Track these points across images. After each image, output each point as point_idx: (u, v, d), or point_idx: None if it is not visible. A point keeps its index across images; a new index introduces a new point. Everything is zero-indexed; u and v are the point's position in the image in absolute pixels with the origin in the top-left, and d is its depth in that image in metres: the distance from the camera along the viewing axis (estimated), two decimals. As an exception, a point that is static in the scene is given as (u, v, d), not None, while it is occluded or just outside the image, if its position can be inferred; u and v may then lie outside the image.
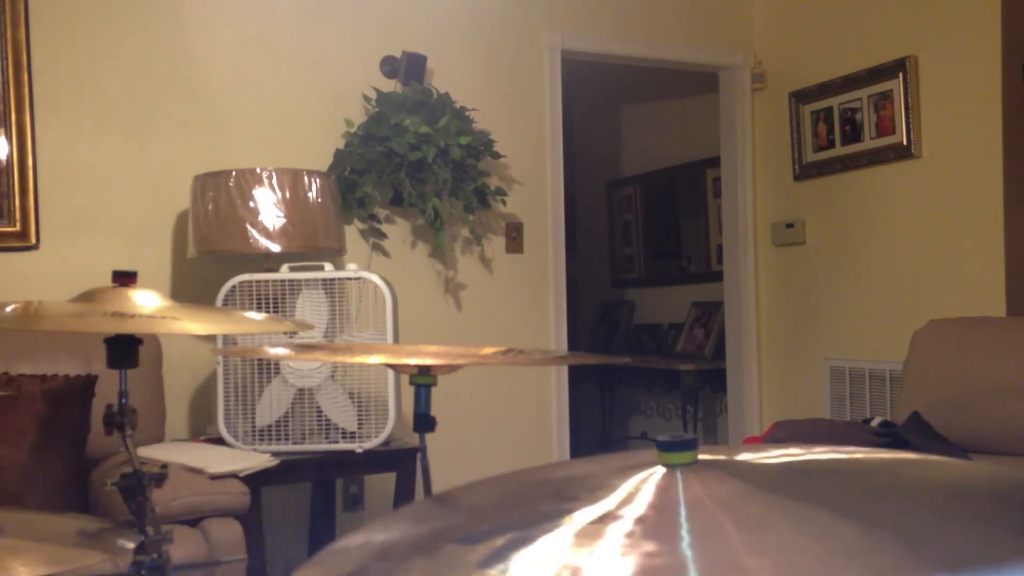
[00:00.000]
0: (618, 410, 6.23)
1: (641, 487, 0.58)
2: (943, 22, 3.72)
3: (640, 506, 0.56)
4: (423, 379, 1.31)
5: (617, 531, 0.53)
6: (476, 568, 0.52)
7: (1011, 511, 0.56)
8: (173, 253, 3.43)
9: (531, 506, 0.61)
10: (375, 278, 3.04)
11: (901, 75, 3.84)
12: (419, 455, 1.36)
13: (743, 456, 0.64)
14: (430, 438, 1.34)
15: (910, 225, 3.86)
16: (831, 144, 4.19)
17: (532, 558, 0.52)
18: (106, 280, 1.63)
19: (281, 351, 1.51)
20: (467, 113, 3.75)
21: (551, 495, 0.62)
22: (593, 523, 0.55)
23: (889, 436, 2.76)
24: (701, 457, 0.61)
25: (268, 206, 3.08)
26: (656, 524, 0.53)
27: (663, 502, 0.55)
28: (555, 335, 4.11)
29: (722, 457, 0.63)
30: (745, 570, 0.48)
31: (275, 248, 3.07)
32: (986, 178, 3.57)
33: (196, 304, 1.97)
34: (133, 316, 1.49)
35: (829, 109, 4.19)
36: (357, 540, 0.62)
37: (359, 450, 2.98)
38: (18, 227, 3.22)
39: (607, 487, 0.59)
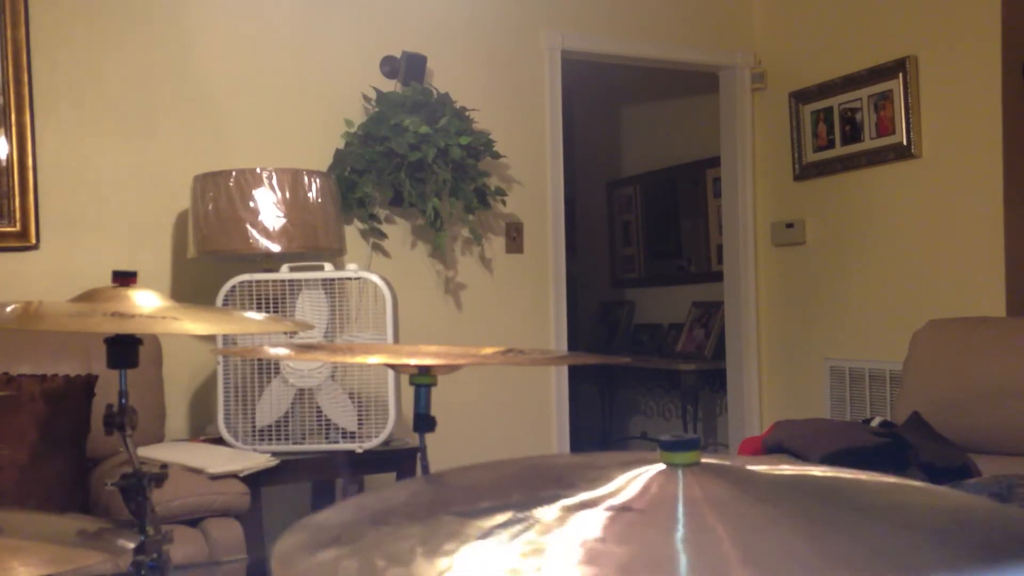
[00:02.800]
0: (618, 410, 6.23)
1: (641, 482, 0.58)
2: (943, 22, 3.72)
3: (638, 499, 0.56)
4: (423, 379, 1.31)
5: (614, 519, 0.53)
6: (475, 540, 0.52)
7: (1007, 539, 0.56)
8: (173, 253, 3.43)
9: (531, 489, 0.61)
10: (375, 278, 3.04)
11: (901, 75, 3.84)
12: (419, 455, 1.36)
13: (746, 465, 0.64)
14: (430, 438, 1.34)
15: (910, 225, 3.86)
16: (831, 144, 4.19)
17: (528, 535, 0.52)
18: (106, 280, 1.63)
19: (281, 351, 1.50)
20: (467, 113, 3.75)
21: (551, 480, 0.62)
22: (591, 510, 0.55)
23: (889, 436, 2.76)
24: (704, 461, 0.61)
25: (268, 206, 3.08)
26: (653, 517, 0.54)
27: (661, 497, 0.56)
28: (555, 335, 4.11)
29: (725, 463, 0.63)
30: (735, 572, 0.48)
31: (275, 248, 3.07)
32: (986, 178, 3.57)
33: (196, 304, 1.97)
34: (133, 316, 1.49)
35: (829, 109, 4.19)
36: (351, 507, 0.62)
37: (359, 450, 2.98)
38: (18, 227, 3.22)
39: (606, 478, 0.59)
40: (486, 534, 0.53)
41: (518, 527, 0.53)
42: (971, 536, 0.56)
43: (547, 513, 0.55)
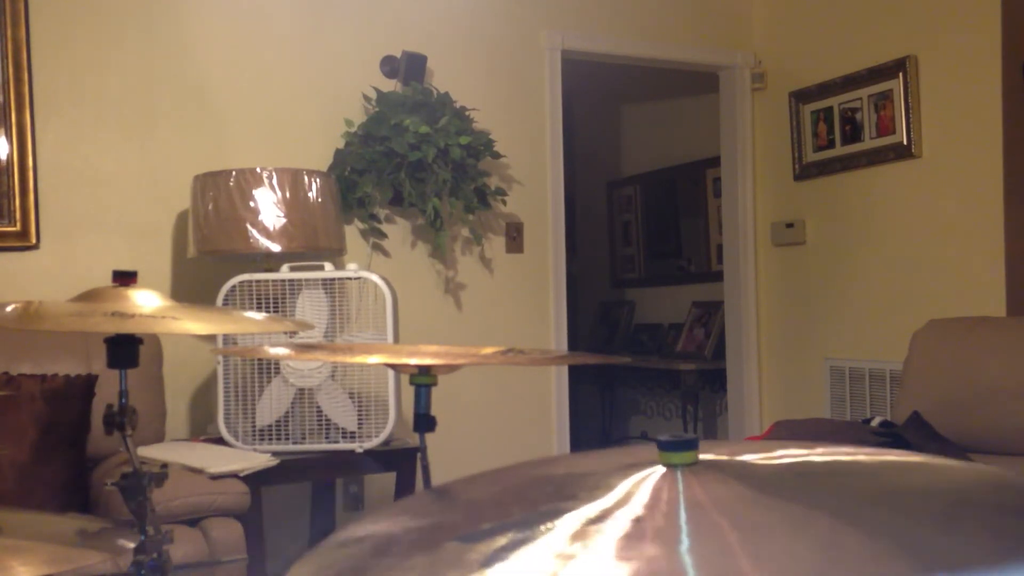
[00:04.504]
0: (618, 410, 6.23)
1: (641, 487, 0.57)
2: (943, 22, 3.72)
3: (640, 507, 0.55)
4: (423, 379, 1.31)
5: (616, 533, 0.53)
6: (477, 568, 0.52)
7: (1013, 518, 0.55)
8: (173, 253, 3.43)
9: (531, 504, 0.61)
10: (375, 278, 3.04)
11: (901, 75, 3.84)
12: (419, 455, 1.36)
13: (744, 457, 0.64)
14: (430, 438, 1.34)
15: (910, 225, 3.86)
16: (831, 144, 4.19)
17: (533, 559, 0.52)
18: (106, 280, 1.63)
19: (281, 351, 1.50)
20: (467, 113, 3.75)
21: (550, 493, 0.62)
22: (593, 524, 0.54)
23: (889, 436, 2.76)
24: (702, 457, 0.60)
25: (268, 206, 3.08)
26: (656, 526, 0.53)
27: (663, 503, 0.55)
28: (555, 335, 4.11)
29: (723, 458, 0.62)
30: None
31: (275, 248, 3.07)
32: (986, 178, 3.57)
33: (196, 304, 1.97)
34: (133, 316, 1.49)
35: (829, 109, 4.19)
36: (356, 534, 0.61)
37: (359, 450, 2.98)
38: (18, 227, 3.22)
39: (606, 486, 0.58)
40: (488, 560, 0.52)
41: (520, 550, 0.53)
42: (979, 519, 0.55)
43: (549, 532, 0.54)
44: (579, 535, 0.53)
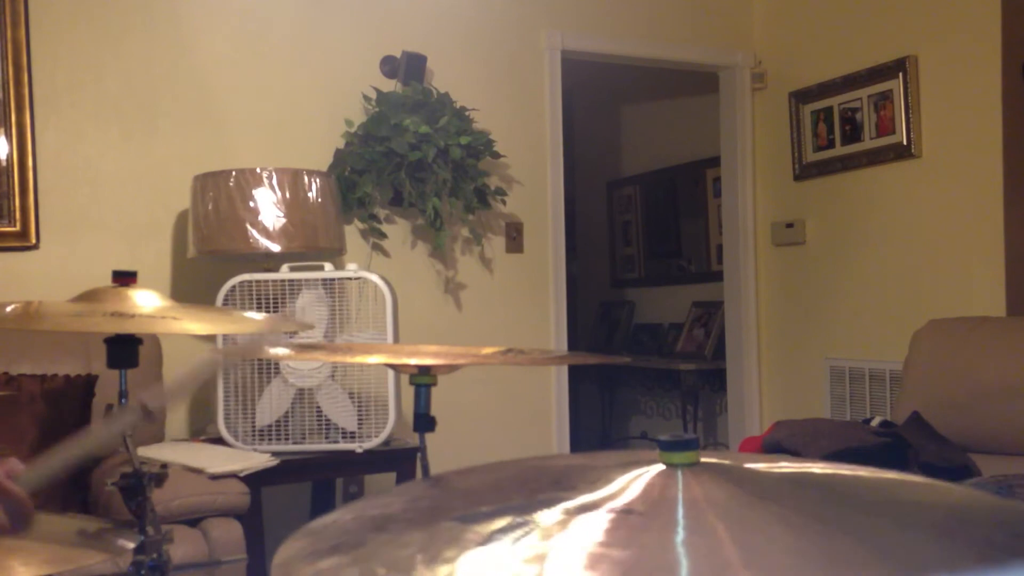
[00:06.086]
0: (618, 410, 6.23)
1: (640, 483, 0.58)
2: (943, 22, 3.72)
3: (638, 501, 0.56)
4: (423, 379, 1.31)
5: (615, 522, 0.53)
6: (474, 546, 0.52)
7: (1005, 532, 0.56)
8: (173, 253, 3.43)
9: (530, 492, 0.61)
10: (375, 278, 3.04)
11: (901, 75, 3.84)
12: (419, 455, 1.36)
13: (746, 463, 0.64)
14: (430, 438, 1.34)
15: (910, 225, 3.86)
16: (831, 144, 4.19)
17: (529, 540, 0.52)
18: (106, 280, 1.63)
19: (281, 351, 1.50)
20: (467, 113, 3.75)
21: (550, 483, 0.62)
22: (591, 512, 0.55)
23: (889, 436, 2.76)
24: (704, 460, 0.60)
25: (268, 206, 3.08)
26: (653, 519, 0.53)
27: (661, 499, 0.56)
28: (555, 335, 4.11)
29: (725, 461, 0.63)
30: (736, 573, 0.48)
31: (275, 248, 3.07)
32: (986, 178, 3.57)
33: (196, 304, 1.97)
34: (133, 316, 1.49)
35: (829, 109, 4.19)
36: (352, 513, 0.62)
37: (359, 450, 2.98)
38: (18, 227, 3.22)
39: (606, 480, 0.59)
40: (486, 539, 0.52)
41: (518, 532, 0.53)
42: (972, 533, 0.56)
43: (547, 517, 0.55)
44: (576, 521, 0.54)
